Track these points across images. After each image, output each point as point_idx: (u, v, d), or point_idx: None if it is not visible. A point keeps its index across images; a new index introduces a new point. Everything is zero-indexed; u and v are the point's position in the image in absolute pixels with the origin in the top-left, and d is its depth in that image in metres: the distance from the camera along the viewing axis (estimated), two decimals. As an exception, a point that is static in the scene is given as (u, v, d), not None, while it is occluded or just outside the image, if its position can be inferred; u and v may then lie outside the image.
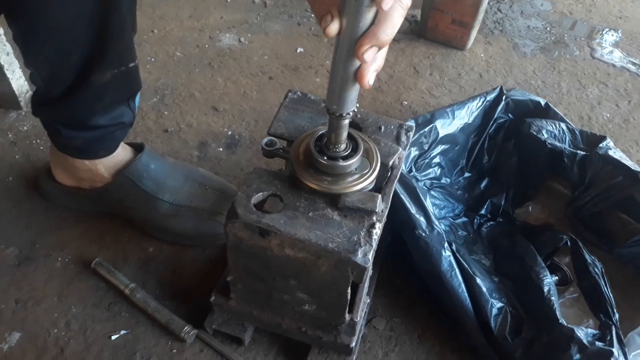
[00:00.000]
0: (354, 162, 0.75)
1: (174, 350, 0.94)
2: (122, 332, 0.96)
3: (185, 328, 0.95)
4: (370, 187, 0.78)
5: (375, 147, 0.80)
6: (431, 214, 0.98)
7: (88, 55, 0.82)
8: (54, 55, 0.82)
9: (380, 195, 0.77)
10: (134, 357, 0.93)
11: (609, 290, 0.92)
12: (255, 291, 0.87)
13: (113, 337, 0.95)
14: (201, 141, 1.27)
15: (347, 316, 0.86)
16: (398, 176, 0.83)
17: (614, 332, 0.85)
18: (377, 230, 0.75)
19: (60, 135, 0.94)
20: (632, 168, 1.02)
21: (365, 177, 0.76)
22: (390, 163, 0.81)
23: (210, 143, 1.27)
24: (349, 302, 0.82)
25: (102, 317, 0.98)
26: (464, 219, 1.15)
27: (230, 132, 1.30)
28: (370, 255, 0.73)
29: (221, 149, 1.26)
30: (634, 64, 1.61)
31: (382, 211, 0.77)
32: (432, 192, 1.14)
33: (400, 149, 0.84)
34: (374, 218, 0.76)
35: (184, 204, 1.04)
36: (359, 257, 0.72)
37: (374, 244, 0.74)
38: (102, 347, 0.94)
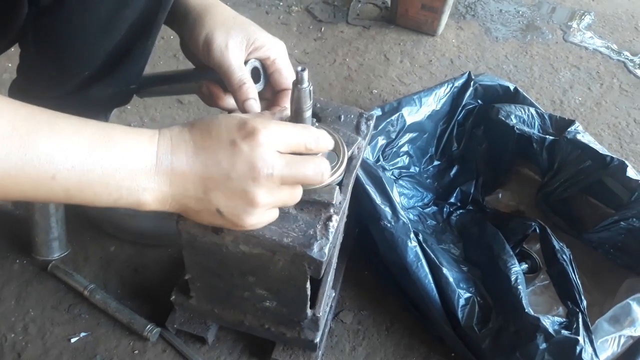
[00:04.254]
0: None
1: (136, 351, 0.92)
2: (82, 334, 0.93)
3: (148, 326, 0.93)
4: (339, 180, 0.75)
5: (341, 139, 0.77)
6: (397, 204, 0.95)
7: (100, 72, 0.79)
8: (67, 69, 0.78)
9: (337, 187, 0.74)
10: (94, 359, 0.91)
11: (577, 276, 0.91)
12: (215, 289, 0.85)
13: (72, 340, 0.92)
14: (165, 135, 1.24)
15: (309, 312, 0.84)
16: (358, 166, 0.81)
17: (580, 319, 0.83)
18: (334, 223, 0.73)
19: None
20: (600, 152, 1.00)
21: (334, 170, 0.73)
22: (349, 153, 0.79)
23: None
24: (309, 297, 0.80)
25: (62, 319, 0.95)
26: (434, 208, 1.13)
27: (195, 125, 1.27)
28: (327, 249, 0.71)
29: (186, 143, 1.23)
30: (606, 47, 1.59)
31: (340, 203, 0.75)
32: (401, 182, 1.12)
33: (360, 139, 0.82)
34: (331, 210, 0.73)
35: (143, 202, 1.01)
36: (314, 251, 0.69)
37: (331, 237, 0.72)
38: (61, 350, 0.91)
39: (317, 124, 0.73)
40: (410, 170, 1.15)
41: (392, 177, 1.10)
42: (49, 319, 0.95)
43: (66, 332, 0.93)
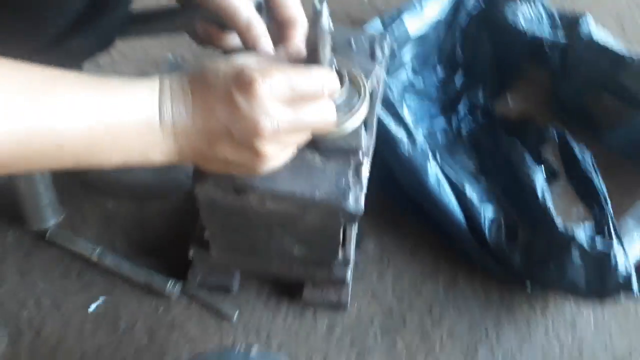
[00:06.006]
0: (339, 96, 0.64)
1: (160, 309, 0.89)
2: (100, 300, 0.89)
3: (169, 283, 0.89)
4: (363, 119, 0.68)
5: (360, 74, 0.68)
6: (411, 128, 0.90)
7: (79, 20, 0.67)
8: (41, 18, 0.66)
9: (363, 129, 0.68)
10: (118, 324, 0.87)
11: (601, 181, 0.90)
12: (238, 242, 0.81)
13: (91, 308, 0.88)
14: (141, 71, 1.12)
15: (340, 253, 0.81)
16: (379, 101, 0.74)
17: (610, 224, 0.83)
18: (366, 170, 0.68)
19: None
20: (615, 50, 0.95)
21: (356, 111, 0.65)
22: (369, 87, 0.71)
23: (151, 73, 1.11)
24: (341, 242, 0.77)
25: (74, 288, 0.90)
26: (442, 121, 1.08)
27: (171, 56, 1.15)
28: (362, 199, 0.66)
29: (166, 77, 1.12)
30: None
31: (367, 147, 0.69)
32: (406, 97, 1.06)
33: (377, 68, 0.74)
34: (360, 156, 0.67)
35: (136, 155, 0.93)
36: (350, 203, 0.65)
37: (365, 185, 0.67)
38: (82, 320, 0.87)
39: (335, 62, 0.65)
40: (414, 83, 1.08)
41: (398, 94, 1.03)
42: (60, 290, 0.89)
43: (82, 300, 0.89)
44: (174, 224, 0.96)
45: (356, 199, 0.65)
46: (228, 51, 0.69)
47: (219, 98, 0.53)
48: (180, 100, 0.53)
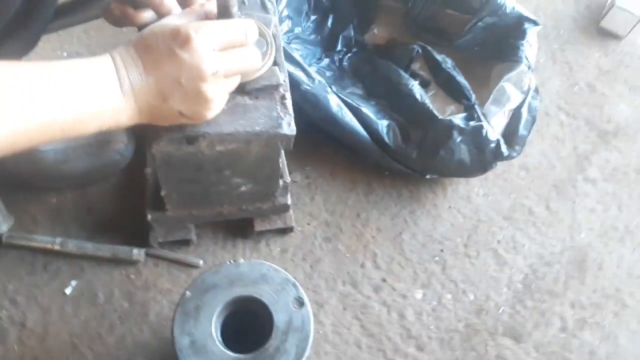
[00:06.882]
0: None
1: (132, 276, 0.98)
2: (73, 283, 0.96)
3: (134, 250, 0.98)
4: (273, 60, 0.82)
5: (261, 24, 0.83)
6: (307, 67, 1.06)
7: (12, 24, 0.71)
8: None
9: (277, 67, 0.82)
10: (97, 299, 0.96)
11: (463, 78, 1.12)
12: (191, 194, 0.92)
13: (67, 292, 0.95)
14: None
15: (281, 181, 0.95)
16: (281, 43, 0.88)
17: (477, 110, 1.05)
18: (289, 99, 0.82)
19: None
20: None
21: (269, 54, 0.80)
22: (272, 33, 0.85)
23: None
24: (281, 170, 0.92)
25: (44, 280, 0.96)
26: (326, 60, 1.24)
27: (65, 54, 1.19)
28: (293, 123, 0.81)
29: (66, 74, 1.16)
30: None
31: (284, 81, 0.83)
32: (292, 46, 1.20)
33: (272, 16, 0.88)
34: (282, 90, 0.82)
35: (69, 146, 0.99)
36: (284, 129, 0.80)
37: (292, 112, 0.82)
38: (61, 304, 0.94)
39: (242, 15, 0.78)
40: (295, 32, 1.23)
41: (285, 43, 1.18)
42: (31, 284, 0.95)
43: (55, 288, 0.96)
44: (120, 200, 1.05)
45: (289, 124, 0.80)
46: (143, 27, 0.79)
47: (164, 57, 0.65)
48: (132, 67, 0.65)
